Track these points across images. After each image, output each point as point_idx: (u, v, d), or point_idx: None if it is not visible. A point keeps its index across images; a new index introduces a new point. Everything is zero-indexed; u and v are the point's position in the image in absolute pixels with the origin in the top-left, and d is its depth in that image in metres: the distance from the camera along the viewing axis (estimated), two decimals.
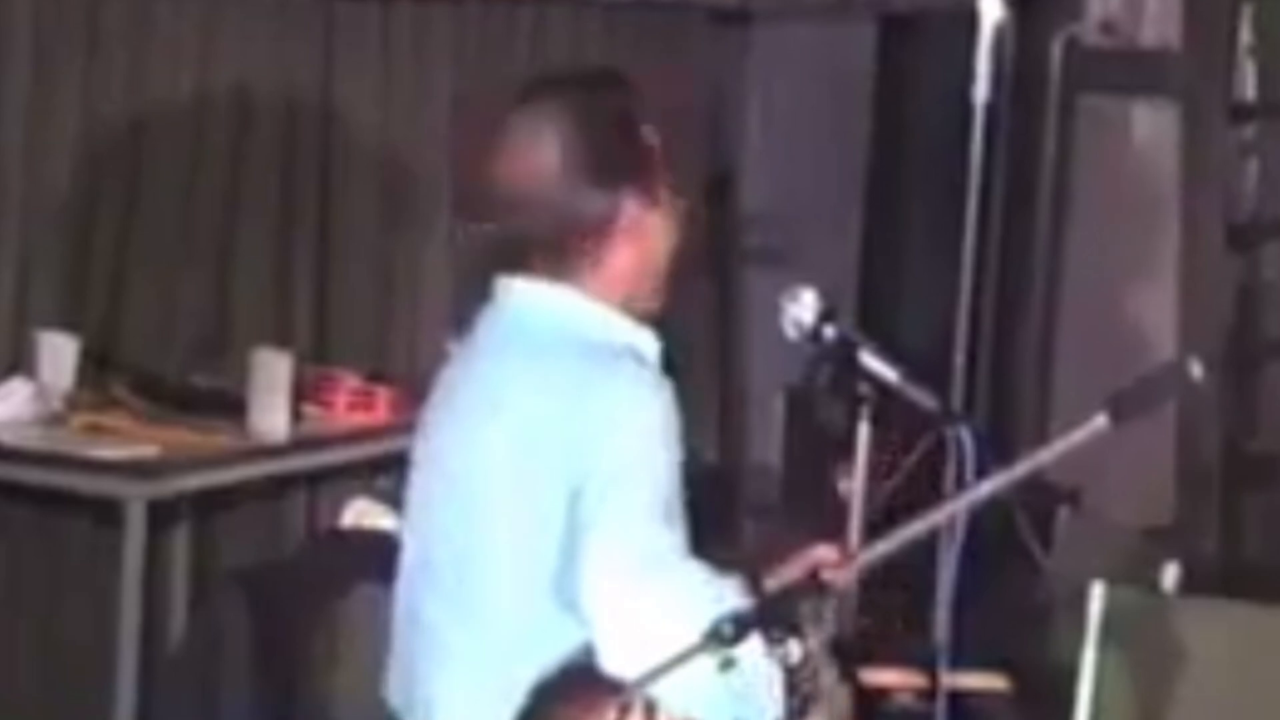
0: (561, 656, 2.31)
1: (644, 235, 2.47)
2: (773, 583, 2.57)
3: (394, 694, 2.54)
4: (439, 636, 2.46)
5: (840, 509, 2.63)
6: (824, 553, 2.53)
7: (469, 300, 2.63)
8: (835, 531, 2.63)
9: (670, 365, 2.54)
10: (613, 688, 2.18)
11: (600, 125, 2.46)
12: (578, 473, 2.32)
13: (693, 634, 2.07)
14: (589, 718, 2.11)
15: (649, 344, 2.49)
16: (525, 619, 2.37)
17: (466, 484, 2.44)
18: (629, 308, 2.49)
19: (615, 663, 2.25)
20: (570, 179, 2.44)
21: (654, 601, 2.27)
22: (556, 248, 2.46)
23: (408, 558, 2.55)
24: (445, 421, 2.52)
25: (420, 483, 2.55)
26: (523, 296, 2.49)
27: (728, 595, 2.30)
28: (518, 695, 2.30)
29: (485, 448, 2.41)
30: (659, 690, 2.11)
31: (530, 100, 2.50)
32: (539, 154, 2.44)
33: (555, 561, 2.34)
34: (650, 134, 2.48)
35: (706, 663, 2.03)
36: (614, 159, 2.45)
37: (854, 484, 2.53)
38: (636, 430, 2.34)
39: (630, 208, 2.46)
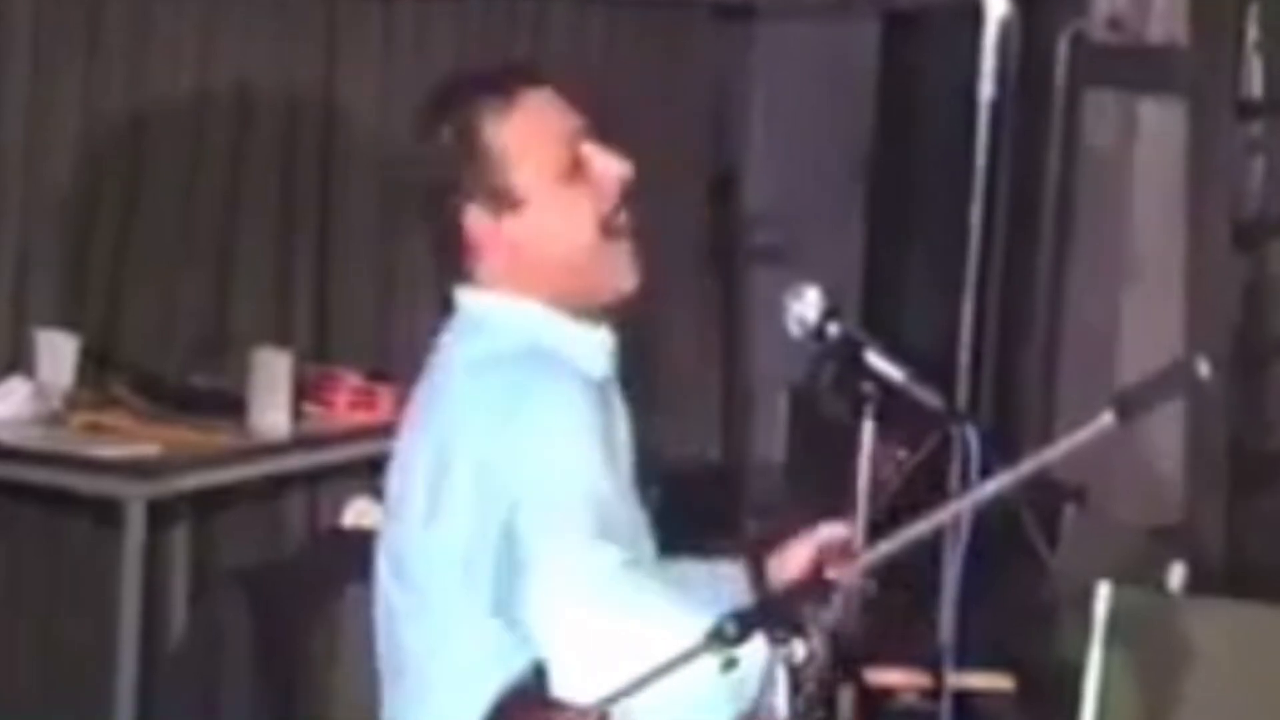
0: (512, 674, 2.27)
1: (502, 245, 2.40)
2: (778, 566, 2.56)
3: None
4: (402, 663, 2.44)
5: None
6: (831, 532, 2.52)
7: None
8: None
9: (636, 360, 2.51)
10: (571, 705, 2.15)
11: (415, 138, 2.44)
12: (502, 499, 2.27)
13: (653, 644, 2.04)
14: None
15: (584, 346, 2.43)
16: (469, 641, 2.33)
17: (398, 506, 2.42)
18: (565, 308, 2.42)
19: (577, 689, 2.17)
20: (418, 199, 2.44)
21: (608, 624, 2.20)
22: (449, 260, 2.43)
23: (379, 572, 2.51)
24: (402, 435, 2.49)
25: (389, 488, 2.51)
26: (461, 303, 2.46)
27: (683, 594, 2.25)
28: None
29: (411, 468, 2.39)
30: (651, 698, 2.07)
31: (425, 101, 2.49)
32: (414, 155, 2.46)
33: (492, 581, 2.29)
34: (497, 122, 2.39)
35: (701, 666, 1.99)
36: (451, 170, 2.40)
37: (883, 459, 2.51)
38: (554, 450, 2.28)
39: (475, 218, 2.39)
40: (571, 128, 2.43)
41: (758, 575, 2.58)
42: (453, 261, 2.43)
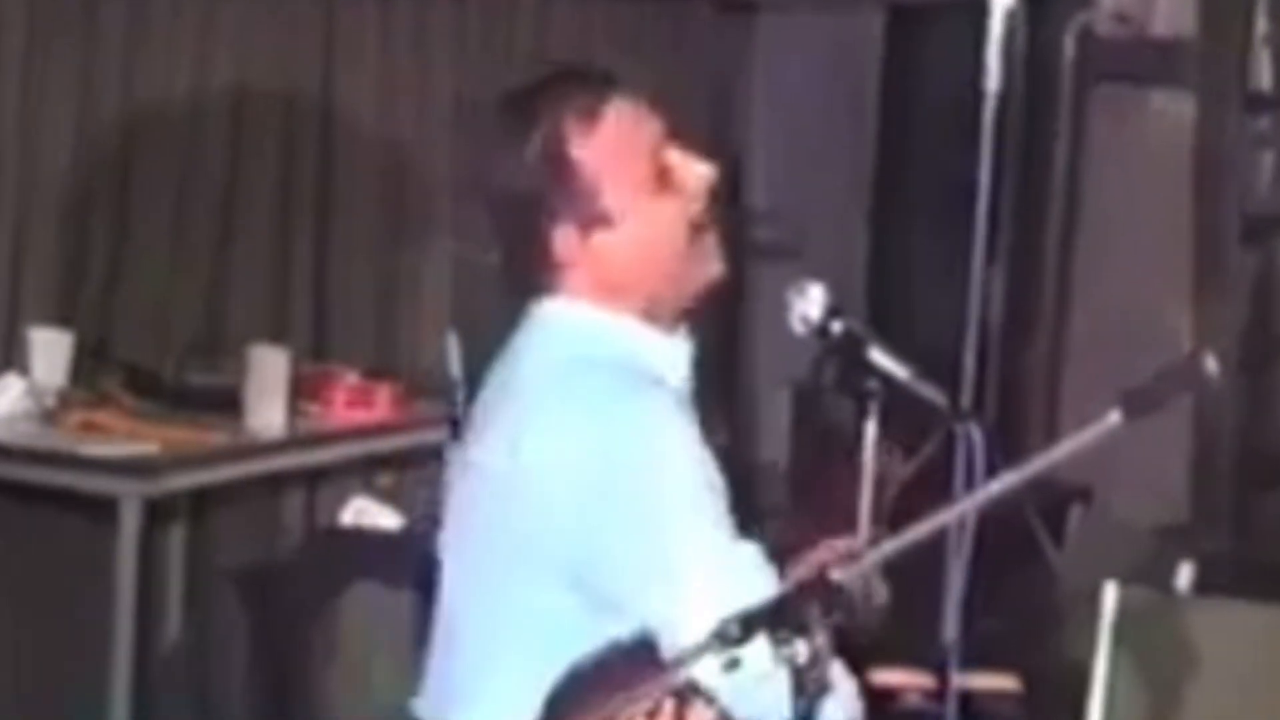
0: (580, 652, 2.23)
1: (592, 262, 2.35)
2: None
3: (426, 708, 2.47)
4: (472, 645, 2.40)
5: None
6: (843, 546, 2.48)
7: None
8: (842, 528, 2.58)
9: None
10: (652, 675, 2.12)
11: (491, 150, 2.37)
12: (604, 494, 2.24)
13: None
14: (630, 700, 2.05)
15: (669, 356, 2.40)
16: (541, 618, 2.31)
17: (469, 501, 2.39)
18: (658, 313, 2.39)
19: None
20: (505, 199, 2.37)
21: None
22: (530, 267, 2.38)
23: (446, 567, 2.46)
24: (471, 441, 2.44)
25: (455, 491, 2.47)
26: (544, 314, 2.41)
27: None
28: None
29: (484, 475, 2.35)
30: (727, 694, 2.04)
31: (502, 109, 2.41)
32: (494, 167, 2.38)
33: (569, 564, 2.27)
34: (583, 135, 2.34)
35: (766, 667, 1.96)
36: (509, 192, 2.35)
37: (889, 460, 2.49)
38: (662, 466, 2.25)
39: (563, 236, 2.34)
40: (654, 136, 2.38)
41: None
42: (532, 274, 2.38)
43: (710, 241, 2.41)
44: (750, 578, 2.22)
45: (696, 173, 2.40)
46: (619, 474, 2.25)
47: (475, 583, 2.38)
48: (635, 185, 2.35)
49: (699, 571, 2.22)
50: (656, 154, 2.38)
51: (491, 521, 2.33)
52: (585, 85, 2.38)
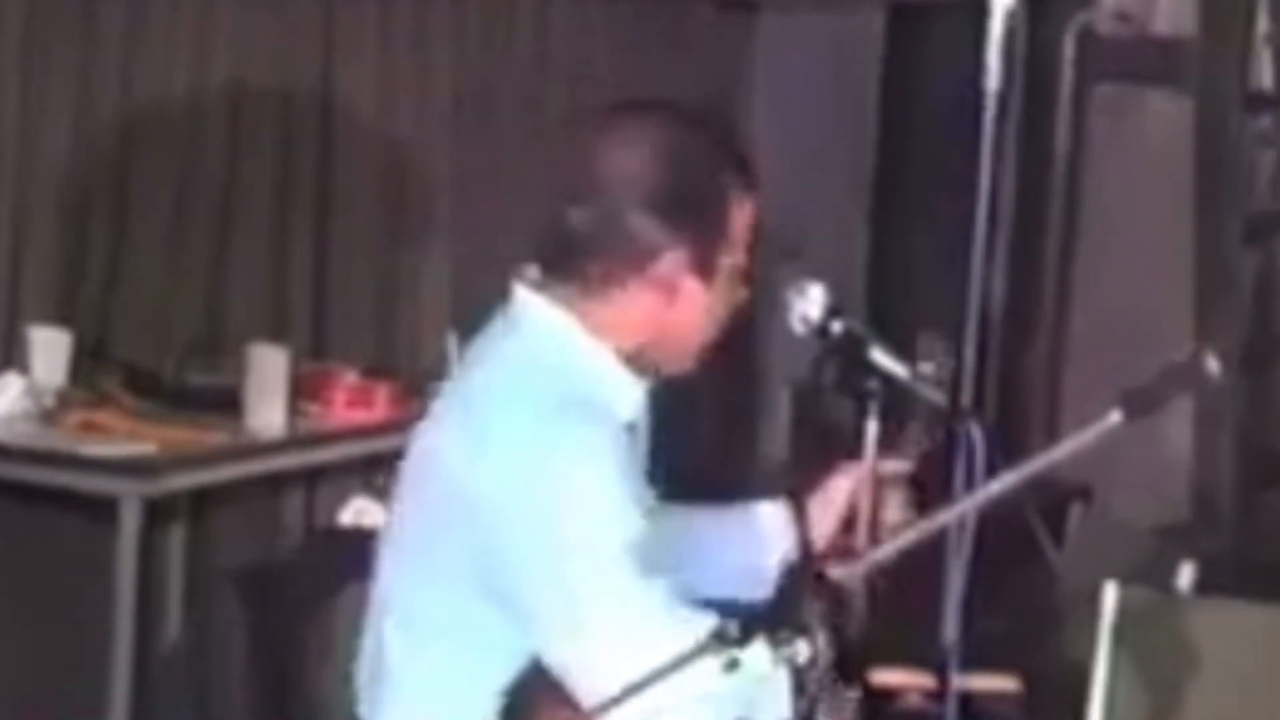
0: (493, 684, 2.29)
1: (676, 296, 2.41)
2: (821, 504, 2.58)
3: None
4: (389, 657, 2.44)
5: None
6: (842, 480, 2.55)
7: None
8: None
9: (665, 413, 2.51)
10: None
11: (691, 163, 2.40)
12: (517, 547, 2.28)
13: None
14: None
15: (624, 392, 2.43)
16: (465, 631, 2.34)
17: (412, 495, 2.44)
18: (642, 359, 2.43)
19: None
20: (634, 193, 2.38)
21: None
22: (587, 258, 2.40)
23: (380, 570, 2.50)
24: (421, 430, 2.48)
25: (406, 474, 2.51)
26: (521, 311, 2.43)
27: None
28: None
29: (432, 459, 2.40)
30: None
31: (641, 108, 2.48)
32: (621, 155, 2.39)
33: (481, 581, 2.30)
34: (739, 205, 2.42)
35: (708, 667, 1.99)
36: (686, 201, 2.39)
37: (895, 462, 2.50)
38: (583, 511, 2.27)
39: (676, 259, 2.39)
40: (755, 237, 2.48)
41: (799, 514, 2.55)
42: (604, 263, 2.40)
43: (688, 356, 2.49)
44: (652, 624, 2.22)
45: (744, 289, 2.47)
46: (535, 495, 2.27)
47: (408, 573, 2.41)
48: (736, 266, 2.44)
49: (598, 616, 2.24)
50: (750, 253, 2.46)
51: (433, 517, 2.37)
52: (744, 157, 2.47)
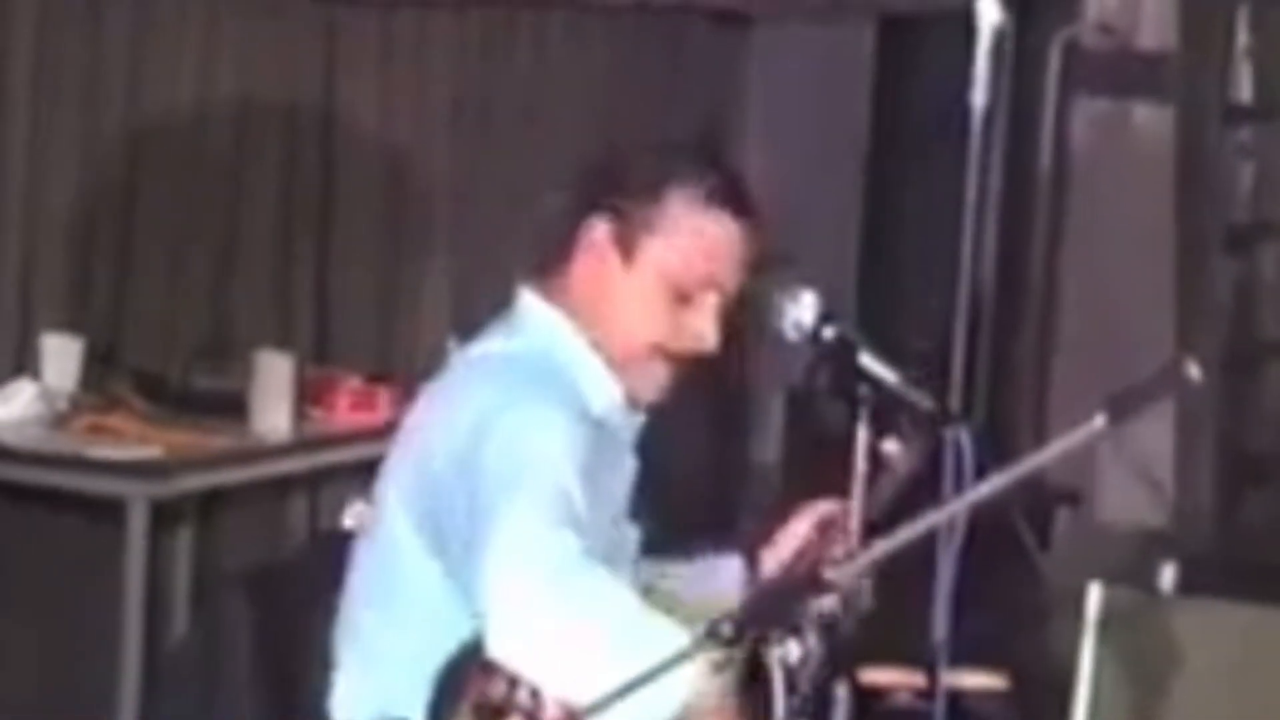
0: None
1: (600, 265, 2.45)
2: (772, 555, 2.59)
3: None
4: (364, 638, 2.49)
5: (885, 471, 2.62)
6: (827, 507, 2.55)
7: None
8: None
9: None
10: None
11: (641, 151, 2.50)
12: (475, 478, 2.32)
13: (590, 632, 2.13)
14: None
15: (603, 389, 2.47)
16: (435, 612, 2.38)
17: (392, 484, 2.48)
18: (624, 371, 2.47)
19: (508, 654, 2.15)
20: (589, 176, 2.48)
21: (553, 603, 2.23)
22: (555, 244, 2.47)
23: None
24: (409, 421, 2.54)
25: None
26: (522, 312, 2.51)
27: (644, 611, 2.27)
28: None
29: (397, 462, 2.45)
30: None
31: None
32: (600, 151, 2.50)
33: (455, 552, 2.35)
34: (688, 203, 2.44)
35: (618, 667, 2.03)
36: (620, 175, 2.46)
37: (897, 448, 2.52)
38: (532, 443, 2.32)
39: (599, 227, 2.45)
40: (721, 277, 2.47)
41: (752, 569, 2.61)
42: (554, 252, 2.48)
43: (663, 371, 2.49)
44: (555, 565, 2.24)
45: (702, 335, 2.47)
46: (481, 441, 2.32)
47: (376, 549, 2.49)
48: (674, 273, 2.45)
49: (505, 539, 2.25)
50: (706, 284, 2.46)
51: (401, 488, 2.44)
52: (728, 182, 2.48)
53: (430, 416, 2.45)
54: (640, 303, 2.45)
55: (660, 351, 2.48)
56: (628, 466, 2.55)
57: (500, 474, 2.29)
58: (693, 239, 2.45)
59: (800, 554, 2.53)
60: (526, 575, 2.23)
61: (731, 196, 2.47)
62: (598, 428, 2.44)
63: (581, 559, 2.24)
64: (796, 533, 2.59)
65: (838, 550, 2.46)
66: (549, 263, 2.50)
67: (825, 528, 2.54)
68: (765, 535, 2.63)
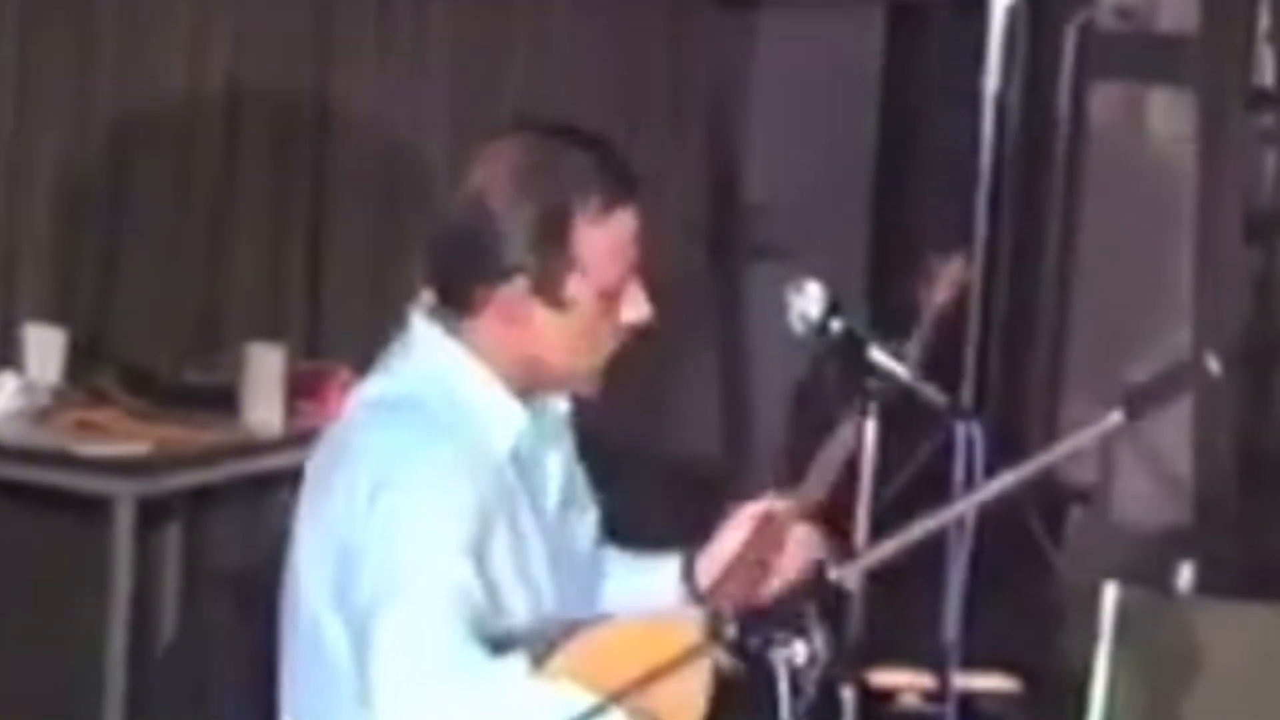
0: None
1: (523, 325, 2.37)
2: (707, 561, 2.54)
3: None
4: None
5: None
6: (757, 508, 2.51)
7: None
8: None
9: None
10: None
11: (532, 189, 2.35)
12: (355, 580, 2.29)
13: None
14: None
15: (504, 423, 2.40)
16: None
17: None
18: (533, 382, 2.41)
19: None
20: (484, 216, 2.35)
21: (440, 712, 2.20)
22: (455, 279, 2.40)
23: None
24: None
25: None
26: (414, 340, 2.45)
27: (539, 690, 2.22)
28: None
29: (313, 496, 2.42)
30: None
31: (516, 128, 2.44)
32: (479, 176, 2.38)
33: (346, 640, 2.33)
34: (592, 227, 2.35)
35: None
36: (527, 227, 2.35)
37: (841, 426, 2.47)
38: (408, 534, 2.27)
39: (517, 286, 2.36)
40: (634, 258, 2.41)
41: (688, 573, 2.57)
42: (455, 301, 2.40)
43: (600, 366, 2.44)
44: (435, 656, 2.21)
45: (636, 311, 2.41)
46: (372, 514, 2.28)
47: (292, 584, 2.47)
48: (599, 288, 2.38)
49: (385, 633, 2.23)
50: (626, 275, 2.39)
51: (308, 521, 2.42)
52: (614, 175, 2.38)
53: (328, 477, 2.38)
54: (580, 335, 2.39)
55: (605, 362, 2.44)
56: (562, 456, 2.50)
57: (380, 571, 2.26)
58: (609, 249, 2.38)
59: (739, 558, 2.48)
60: (406, 682, 2.20)
61: (619, 185, 2.38)
62: (503, 466, 2.39)
63: (462, 656, 2.21)
64: (727, 540, 2.54)
65: (778, 548, 2.44)
66: (447, 300, 2.42)
67: (762, 527, 2.49)
68: (701, 541, 2.59)
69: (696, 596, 2.52)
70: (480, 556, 2.28)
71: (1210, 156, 5.44)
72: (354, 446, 2.36)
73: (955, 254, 2.66)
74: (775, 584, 2.45)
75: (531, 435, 2.43)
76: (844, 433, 2.44)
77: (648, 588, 2.57)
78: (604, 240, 2.36)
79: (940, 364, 2.46)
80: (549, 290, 2.35)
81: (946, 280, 2.61)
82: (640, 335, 2.45)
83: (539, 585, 2.39)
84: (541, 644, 2.30)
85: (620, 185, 2.38)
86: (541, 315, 2.37)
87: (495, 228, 2.34)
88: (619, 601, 2.56)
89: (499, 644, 2.27)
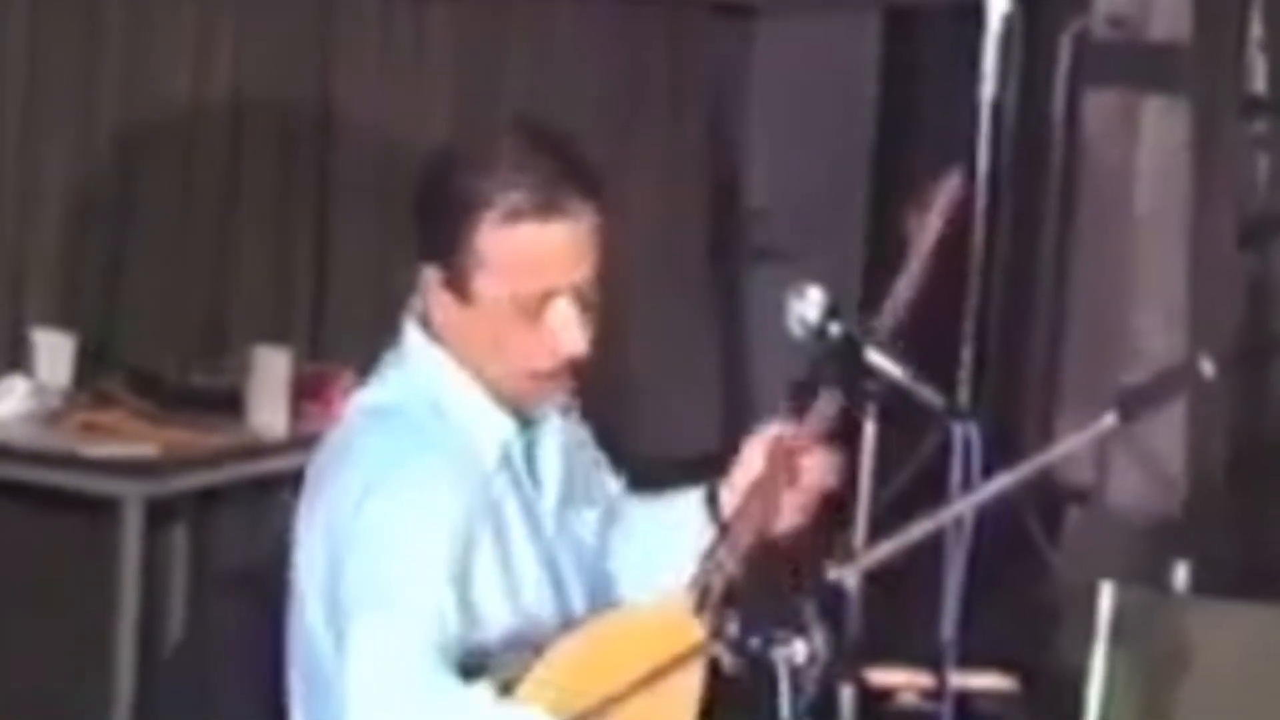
0: None
1: (442, 311, 2.39)
2: (729, 492, 2.54)
3: None
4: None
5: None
6: (774, 433, 2.50)
7: None
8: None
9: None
10: None
11: (441, 181, 2.38)
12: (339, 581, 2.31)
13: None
14: None
15: (492, 441, 2.41)
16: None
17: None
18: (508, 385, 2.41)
19: None
20: (421, 199, 2.41)
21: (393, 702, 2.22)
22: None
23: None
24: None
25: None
26: (407, 349, 2.46)
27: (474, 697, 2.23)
28: None
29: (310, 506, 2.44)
30: None
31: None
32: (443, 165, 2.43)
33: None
34: (500, 229, 2.33)
35: None
36: (429, 217, 2.39)
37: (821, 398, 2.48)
38: (390, 541, 2.28)
39: (429, 274, 2.39)
40: (569, 276, 2.35)
41: (712, 505, 2.56)
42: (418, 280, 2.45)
43: (548, 390, 2.42)
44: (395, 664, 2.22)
45: (567, 341, 2.36)
46: (357, 528, 2.29)
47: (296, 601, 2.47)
48: (511, 295, 2.35)
49: (350, 647, 2.24)
50: (554, 290, 2.35)
51: (305, 526, 2.44)
52: (543, 185, 2.33)
53: (325, 481, 2.40)
54: (495, 337, 2.37)
55: (539, 376, 2.40)
56: (560, 453, 2.49)
57: (361, 576, 2.27)
58: (511, 260, 2.33)
59: (756, 485, 2.48)
60: (374, 695, 2.22)
61: (536, 204, 2.33)
62: (500, 466, 2.40)
63: (431, 679, 2.22)
64: (746, 467, 2.53)
65: (793, 472, 2.44)
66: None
67: (774, 456, 2.48)
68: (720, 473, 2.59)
69: (719, 522, 2.51)
70: (464, 569, 2.30)
71: (1204, 163, 5.44)
72: (350, 451, 2.37)
73: (951, 172, 2.56)
74: (793, 509, 2.47)
75: (525, 440, 2.44)
76: (830, 400, 2.45)
77: (673, 521, 2.55)
78: (504, 251, 2.33)
79: (936, 303, 2.39)
80: (454, 283, 2.36)
81: (943, 201, 2.55)
82: (577, 373, 2.41)
83: (525, 594, 2.39)
84: (527, 653, 2.30)
85: (533, 202, 2.32)
86: (453, 306, 2.37)
87: (423, 207, 2.40)
88: (642, 554, 2.56)
89: (474, 661, 2.28)
